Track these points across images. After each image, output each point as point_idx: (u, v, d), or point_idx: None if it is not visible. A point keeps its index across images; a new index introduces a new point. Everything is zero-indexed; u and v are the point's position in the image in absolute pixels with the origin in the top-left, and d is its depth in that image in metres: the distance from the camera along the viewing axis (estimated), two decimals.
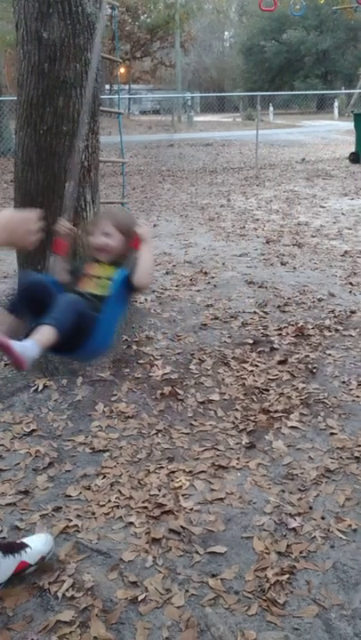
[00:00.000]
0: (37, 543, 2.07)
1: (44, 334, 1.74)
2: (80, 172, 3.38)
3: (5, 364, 3.51)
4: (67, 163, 3.32)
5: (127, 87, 34.65)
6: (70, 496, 2.48)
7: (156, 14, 30.39)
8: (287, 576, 2.05)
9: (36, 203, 3.38)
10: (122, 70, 33.80)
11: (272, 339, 3.95)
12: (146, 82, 42.74)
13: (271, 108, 30.73)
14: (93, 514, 2.37)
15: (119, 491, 2.50)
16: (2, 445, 2.83)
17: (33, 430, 2.96)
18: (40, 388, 3.29)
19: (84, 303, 1.89)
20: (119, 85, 8.48)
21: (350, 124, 14.38)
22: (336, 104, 31.99)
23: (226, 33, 56.70)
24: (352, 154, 13.68)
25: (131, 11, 30.10)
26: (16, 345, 1.66)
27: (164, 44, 35.39)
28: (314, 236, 6.81)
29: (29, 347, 1.69)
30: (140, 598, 1.97)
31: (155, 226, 7.58)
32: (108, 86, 29.93)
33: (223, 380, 3.45)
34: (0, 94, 14.94)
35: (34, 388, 3.29)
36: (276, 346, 3.84)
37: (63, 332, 1.77)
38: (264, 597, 1.97)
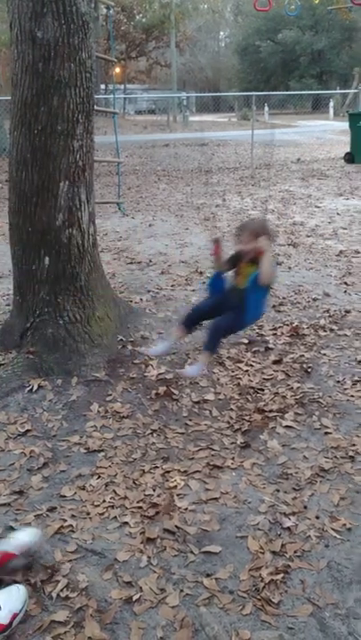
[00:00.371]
0: (8, 601, 1.86)
1: (204, 357, 3.07)
2: (75, 172, 3.38)
3: (0, 364, 3.51)
4: (61, 162, 3.32)
5: (123, 87, 34.64)
6: (65, 496, 2.47)
7: (151, 14, 30.39)
8: (282, 575, 2.05)
9: (31, 202, 3.39)
10: (117, 70, 33.79)
11: (267, 338, 3.96)
12: (141, 82, 42.74)
13: (266, 108, 30.78)
14: (88, 514, 2.37)
15: (114, 491, 2.50)
16: None
17: (27, 430, 2.95)
18: (35, 388, 3.28)
19: (224, 321, 3.00)
20: (114, 85, 8.47)
21: (345, 124, 14.41)
22: (331, 104, 32.07)
23: (221, 33, 56.77)
24: (347, 154, 13.71)
25: (126, 10, 30.10)
26: (189, 372, 3.14)
27: (160, 43, 35.40)
28: (309, 236, 6.82)
29: (197, 368, 3.09)
30: (134, 598, 1.97)
31: (150, 225, 7.58)
32: (103, 86, 29.91)
33: (218, 379, 3.45)
34: None
35: (28, 389, 3.28)
36: (271, 345, 3.85)
37: (216, 348, 3.15)
38: (258, 597, 1.97)
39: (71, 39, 3.21)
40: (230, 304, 3.01)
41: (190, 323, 3.20)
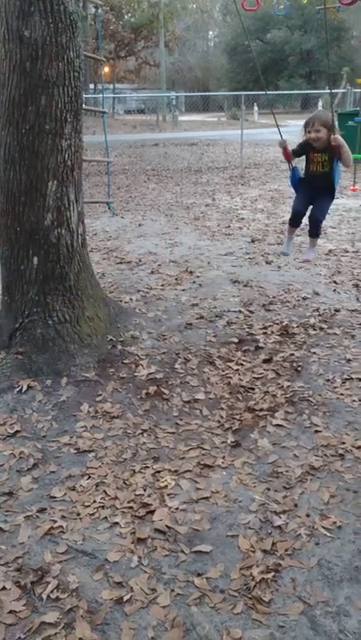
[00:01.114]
0: None
1: (314, 243, 4.48)
2: (63, 172, 3.37)
3: None
4: (50, 162, 3.31)
5: (112, 86, 34.56)
6: (55, 497, 2.46)
7: (140, 13, 30.35)
8: (272, 574, 2.05)
9: (20, 202, 3.37)
10: (106, 70, 33.68)
11: (257, 337, 3.96)
12: (130, 81, 42.67)
13: (256, 108, 30.82)
14: (78, 514, 2.36)
15: (104, 491, 2.49)
16: None
17: (17, 431, 2.94)
18: (24, 388, 3.27)
19: (322, 208, 4.16)
20: (103, 85, 8.45)
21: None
22: (320, 103, 32.14)
23: (210, 32, 56.76)
24: None
25: (115, 10, 30.02)
26: (309, 256, 4.53)
27: (149, 43, 35.35)
28: (298, 235, 6.83)
29: (312, 252, 4.55)
30: (125, 598, 1.96)
31: (140, 225, 7.57)
32: (92, 85, 29.84)
33: (209, 379, 3.45)
34: None
35: (18, 389, 3.26)
36: (261, 344, 3.85)
37: (319, 229, 4.35)
38: (249, 595, 1.97)
39: (59, 38, 3.19)
40: (320, 188, 4.02)
41: (296, 221, 4.35)
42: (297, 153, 4.09)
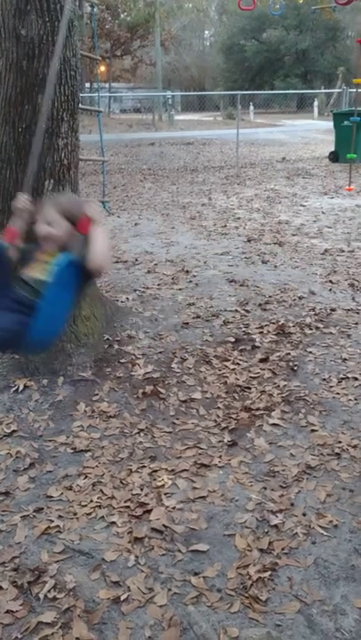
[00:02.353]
0: None
1: None
2: (60, 171, 3.36)
3: None
4: (46, 161, 3.30)
5: (107, 85, 34.51)
6: (52, 497, 2.46)
7: (135, 12, 30.30)
8: (269, 573, 2.06)
9: None
10: (102, 69, 33.63)
11: (253, 337, 3.96)
12: (126, 80, 42.62)
13: (252, 107, 30.85)
14: (75, 514, 2.36)
15: (101, 490, 2.49)
16: None
17: (13, 431, 2.93)
18: (20, 388, 3.26)
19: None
20: (99, 84, 8.41)
21: (330, 124, 14.48)
22: (316, 103, 32.21)
23: (206, 32, 56.78)
24: (332, 153, 13.79)
25: (110, 9, 29.98)
26: None
27: (145, 42, 35.31)
28: (294, 235, 6.85)
29: None
30: (122, 598, 1.96)
31: (136, 224, 7.57)
32: (88, 84, 29.77)
33: (205, 378, 3.45)
34: None
35: (14, 389, 3.26)
36: (257, 344, 3.86)
37: None
38: (246, 594, 1.97)
39: (55, 37, 3.18)
40: (11, 301, 1.93)
41: None
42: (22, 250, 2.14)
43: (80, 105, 3.56)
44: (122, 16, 32.48)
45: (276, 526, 2.28)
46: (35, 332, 1.85)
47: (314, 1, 12.60)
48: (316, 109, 32.05)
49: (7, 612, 1.91)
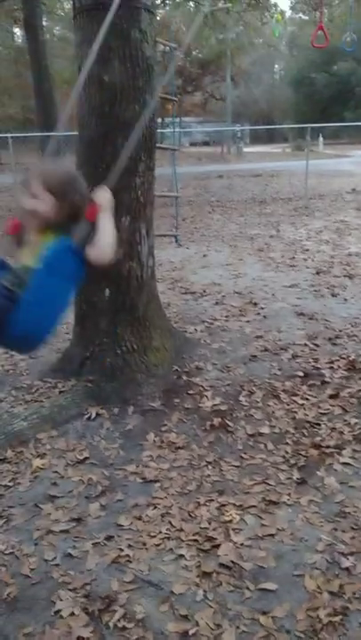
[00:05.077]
0: None
1: None
2: (136, 208, 3.50)
3: (60, 392, 3.61)
4: (123, 198, 3.45)
5: (178, 120, 35.43)
6: (122, 525, 2.51)
7: (207, 50, 31.12)
8: (340, 617, 2.01)
9: None
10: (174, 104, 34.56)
11: (323, 372, 3.92)
12: (196, 114, 43.59)
13: (321, 139, 30.78)
14: (144, 544, 2.39)
15: (170, 522, 2.52)
16: (56, 472, 2.90)
17: (86, 458, 3.02)
18: (93, 415, 3.36)
19: None
20: (174, 120, 8.68)
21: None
22: None
23: (276, 65, 57.45)
24: None
25: (183, 46, 30.93)
26: None
27: (215, 77, 36.10)
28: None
29: None
30: (190, 632, 1.97)
31: (204, 256, 7.68)
32: (159, 120, 30.70)
33: (273, 412, 3.44)
34: (57, 130, 15.55)
35: (87, 416, 3.36)
36: (327, 379, 3.81)
37: None
38: (316, 638, 1.93)
39: (136, 82, 3.36)
40: None
41: None
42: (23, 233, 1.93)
43: (156, 144, 3.70)
44: (193, 53, 33.44)
45: (347, 569, 2.23)
46: (16, 327, 1.58)
47: None
48: None
49: (78, 637, 1.95)
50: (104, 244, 1.74)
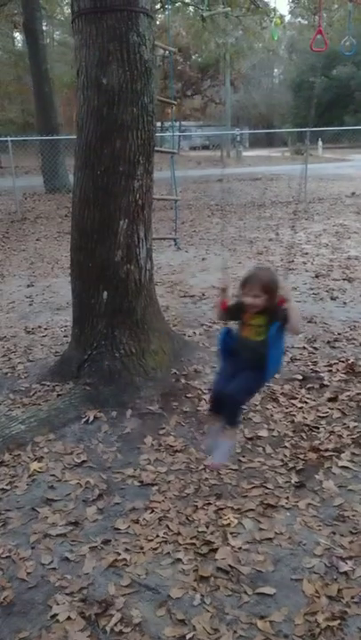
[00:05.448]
0: None
1: (231, 434, 2.69)
2: (134, 211, 3.50)
3: (58, 395, 3.60)
4: (122, 201, 3.45)
5: (178, 124, 35.50)
6: (119, 529, 2.50)
7: (207, 54, 31.17)
8: (338, 621, 1.99)
9: (92, 239, 3.52)
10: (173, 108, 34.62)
11: (322, 375, 3.91)
12: (196, 118, 43.68)
13: (320, 142, 30.82)
14: (142, 548, 2.38)
15: (167, 526, 2.51)
16: (53, 476, 2.89)
17: (83, 461, 3.01)
18: (90, 419, 3.35)
19: (243, 388, 2.65)
20: (173, 125, 8.69)
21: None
22: None
23: (275, 70, 57.58)
24: None
25: (182, 51, 31.01)
26: (218, 460, 2.61)
27: (215, 82, 36.17)
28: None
29: (225, 451, 2.62)
30: (188, 637, 1.96)
31: (203, 259, 7.68)
32: (158, 124, 30.75)
33: (272, 416, 3.43)
34: (57, 133, 15.59)
35: (84, 420, 3.35)
36: (326, 382, 3.80)
37: (240, 418, 2.78)
38: None
39: (134, 85, 3.36)
40: (246, 363, 2.65)
41: (218, 407, 2.74)
42: (231, 311, 2.83)
43: (155, 148, 3.70)
44: (193, 57, 33.53)
45: (345, 573, 2.22)
46: (268, 374, 2.67)
47: None
48: None
49: None
50: (297, 322, 2.61)
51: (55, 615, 2.06)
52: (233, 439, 2.80)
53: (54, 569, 2.29)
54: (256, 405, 3.53)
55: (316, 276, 6.54)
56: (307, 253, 7.79)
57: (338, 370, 3.98)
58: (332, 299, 5.68)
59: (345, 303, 5.53)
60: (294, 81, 45.93)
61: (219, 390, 2.75)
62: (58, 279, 6.89)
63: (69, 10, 3.51)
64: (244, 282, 2.70)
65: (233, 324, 2.85)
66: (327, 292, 5.92)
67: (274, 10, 15.36)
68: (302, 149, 21.83)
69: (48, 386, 3.76)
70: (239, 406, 2.76)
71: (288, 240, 8.77)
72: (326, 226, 10.01)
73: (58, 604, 2.10)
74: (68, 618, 2.04)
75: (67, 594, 2.15)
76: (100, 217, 3.46)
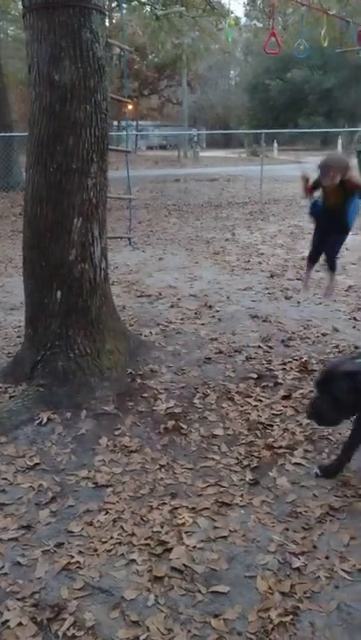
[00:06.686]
0: None
1: (333, 276, 5.05)
2: (88, 209, 3.46)
3: (10, 397, 3.53)
4: (75, 199, 3.40)
5: (135, 123, 35.40)
6: (73, 532, 2.46)
7: (163, 54, 31.18)
8: (291, 617, 2.02)
9: (45, 238, 3.46)
10: (129, 107, 34.50)
11: (276, 373, 3.96)
12: (153, 118, 43.67)
13: (276, 144, 31.27)
14: (95, 550, 2.35)
15: (122, 527, 2.49)
16: (5, 479, 2.83)
17: (36, 464, 2.96)
18: (44, 421, 3.30)
19: (336, 245, 4.69)
20: (128, 123, 8.63)
21: (353, 161, 14.59)
22: (340, 141, 32.53)
23: (232, 71, 58.14)
24: None
25: (139, 50, 30.93)
26: (331, 293, 5.16)
27: (172, 82, 36.24)
28: (318, 271, 6.84)
29: (332, 288, 5.15)
30: (141, 638, 1.94)
31: (160, 259, 7.67)
32: (115, 122, 30.56)
33: (227, 414, 3.45)
34: (11, 130, 15.30)
35: (38, 421, 3.30)
36: (280, 381, 3.85)
37: (334, 264, 4.92)
38: (268, 639, 1.94)
39: (87, 82, 3.32)
40: (334, 223, 4.35)
41: (315, 256, 4.89)
42: (314, 188, 4.51)
43: (109, 146, 3.67)
44: (150, 57, 33.48)
45: (298, 569, 2.24)
46: (349, 226, 4.41)
47: (339, 43, 12.86)
48: (340, 146, 32.34)
49: None
50: None
51: (6, 621, 2.01)
52: (334, 279, 5.06)
53: (5, 574, 2.23)
54: (212, 404, 3.55)
55: (272, 276, 6.62)
56: (262, 253, 7.89)
57: (292, 368, 4.04)
58: (287, 298, 5.77)
59: (299, 302, 5.62)
60: (250, 83, 46.52)
61: (317, 244, 4.74)
62: (11, 278, 6.76)
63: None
64: (320, 169, 4.21)
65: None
66: (282, 291, 6.00)
67: (229, 11, 15.49)
68: (258, 151, 22.07)
69: (0, 388, 3.68)
70: (334, 258, 4.77)
71: (244, 240, 8.86)
72: (281, 227, 10.16)
73: (9, 610, 2.06)
74: (20, 624, 2.00)
75: (18, 599, 2.11)
76: (54, 215, 3.41)
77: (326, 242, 4.69)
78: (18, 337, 4.57)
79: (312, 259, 4.90)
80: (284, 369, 4.03)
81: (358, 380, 2.51)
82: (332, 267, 4.82)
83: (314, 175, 4.55)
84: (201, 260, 7.56)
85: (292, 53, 7.84)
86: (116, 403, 3.52)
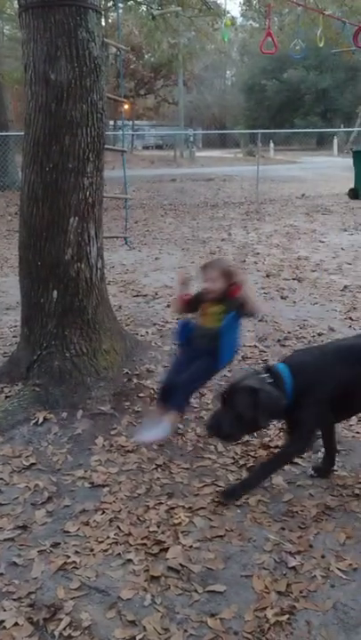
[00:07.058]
0: None
1: (172, 417, 2.96)
2: (84, 208, 3.45)
3: (6, 397, 3.52)
4: (71, 199, 3.40)
5: (131, 123, 35.35)
6: (69, 532, 2.46)
7: (159, 54, 31.16)
8: (287, 616, 2.02)
9: (41, 237, 3.45)
10: (126, 107, 34.47)
11: None
12: (149, 118, 43.64)
13: (272, 144, 31.33)
14: (92, 550, 2.35)
15: (118, 527, 2.48)
16: (1, 479, 2.82)
17: (32, 464, 2.95)
18: (40, 420, 3.29)
19: (196, 374, 3.00)
20: (123, 122, 8.63)
21: (349, 161, 14.63)
22: (336, 141, 32.62)
23: (228, 72, 58.19)
24: (351, 190, 13.89)
25: (135, 50, 30.89)
26: (148, 437, 2.96)
27: (168, 82, 36.20)
28: (314, 271, 6.88)
29: (161, 431, 2.91)
30: (138, 638, 1.94)
31: (156, 259, 7.67)
32: (112, 122, 30.54)
33: None
34: (7, 129, 15.26)
35: (34, 421, 3.29)
36: None
37: (186, 405, 3.12)
38: (264, 638, 1.94)
39: (83, 81, 3.31)
40: (200, 350, 3.00)
41: (167, 396, 2.98)
42: (192, 303, 3.18)
43: (105, 145, 3.67)
44: (146, 57, 33.44)
45: (294, 568, 2.25)
46: (220, 361, 2.97)
47: (334, 43, 12.89)
48: (335, 146, 32.44)
49: None
50: (255, 303, 2.92)
51: (2, 622, 2.00)
52: (172, 422, 2.97)
53: (1, 574, 2.23)
54: (208, 404, 3.55)
55: (267, 276, 6.63)
56: (258, 253, 7.90)
57: None
58: (283, 298, 5.77)
59: (295, 302, 5.63)
60: (246, 83, 46.58)
61: (170, 379, 3.08)
62: (7, 278, 6.75)
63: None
64: (203, 267, 3.13)
65: (190, 318, 3.22)
66: (278, 291, 6.01)
67: (225, 11, 15.49)
68: (254, 151, 22.10)
69: None
70: (188, 392, 3.07)
71: (240, 240, 8.87)
72: (277, 226, 10.17)
73: (5, 611, 2.05)
74: (16, 624, 1.99)
75: (14, 599, 2.10)
76: (50, 214, 3.40)
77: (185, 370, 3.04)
78: (14, 337, 4.57)
79: (163, 396, 3.08)
80: None
81: (260, 396, 2.42)
82: (172, 399, 2.97)
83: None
84: (197, 260, 7.56)
85: (289, 53, 7.86)
86: (112, 402, 3.51)
